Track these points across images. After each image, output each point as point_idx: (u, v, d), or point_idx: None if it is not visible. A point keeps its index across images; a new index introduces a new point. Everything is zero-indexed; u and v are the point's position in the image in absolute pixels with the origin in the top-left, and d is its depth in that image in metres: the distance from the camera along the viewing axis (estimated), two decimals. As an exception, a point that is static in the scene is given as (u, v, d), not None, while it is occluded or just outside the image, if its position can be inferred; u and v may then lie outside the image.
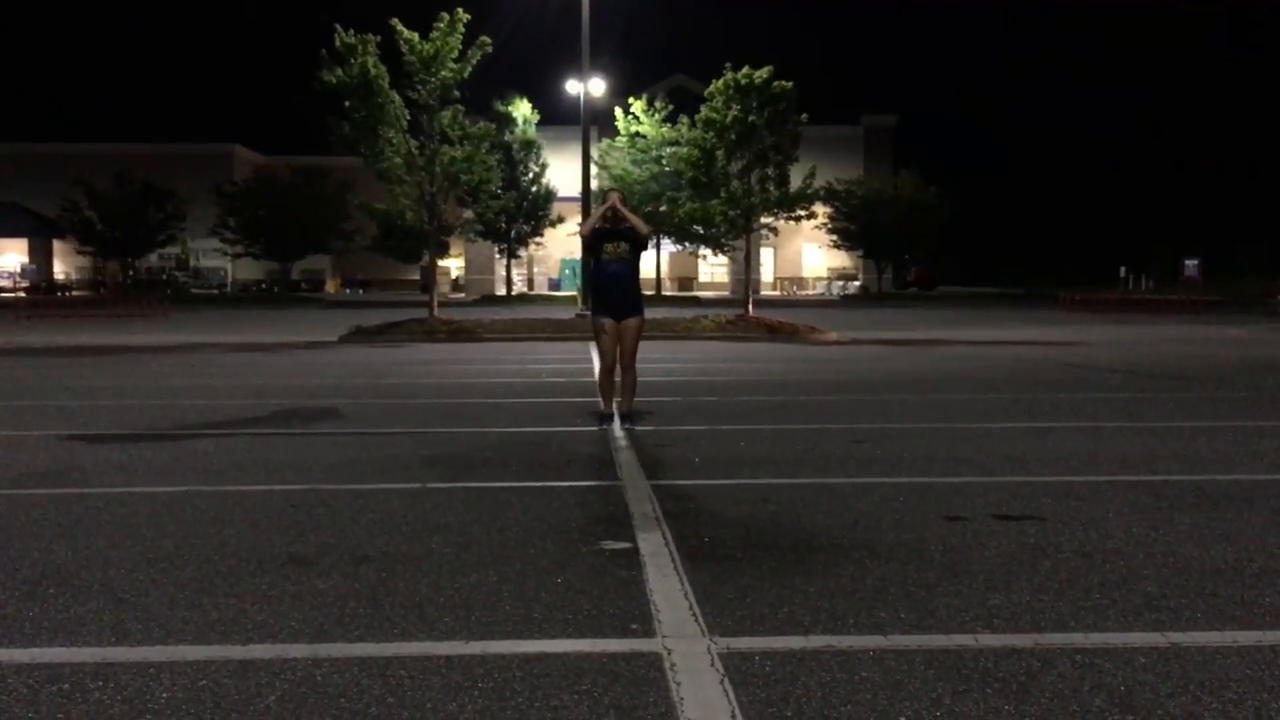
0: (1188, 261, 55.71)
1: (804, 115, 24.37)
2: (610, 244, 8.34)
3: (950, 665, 3.11)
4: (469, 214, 43.94)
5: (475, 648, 3.28)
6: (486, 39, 21.81)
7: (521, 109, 50.51)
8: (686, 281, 65.17)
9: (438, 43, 21.33)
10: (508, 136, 48.62)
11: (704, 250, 46.62)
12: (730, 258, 49.55)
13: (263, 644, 3.33)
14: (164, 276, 61.55)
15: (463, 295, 58.65)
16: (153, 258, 61.08)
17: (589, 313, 9.05)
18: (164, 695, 2.92)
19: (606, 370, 8.52)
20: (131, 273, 59.10)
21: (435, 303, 23.28)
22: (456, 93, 21.92)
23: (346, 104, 21.31)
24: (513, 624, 3.51)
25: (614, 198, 8.46)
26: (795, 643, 3.31)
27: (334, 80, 21.01)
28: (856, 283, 63.10)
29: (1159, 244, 64.99)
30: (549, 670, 3.08)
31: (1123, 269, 59.90)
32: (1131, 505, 5.33)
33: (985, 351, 17.27)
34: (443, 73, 21.43)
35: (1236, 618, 3.55)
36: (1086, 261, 69.97)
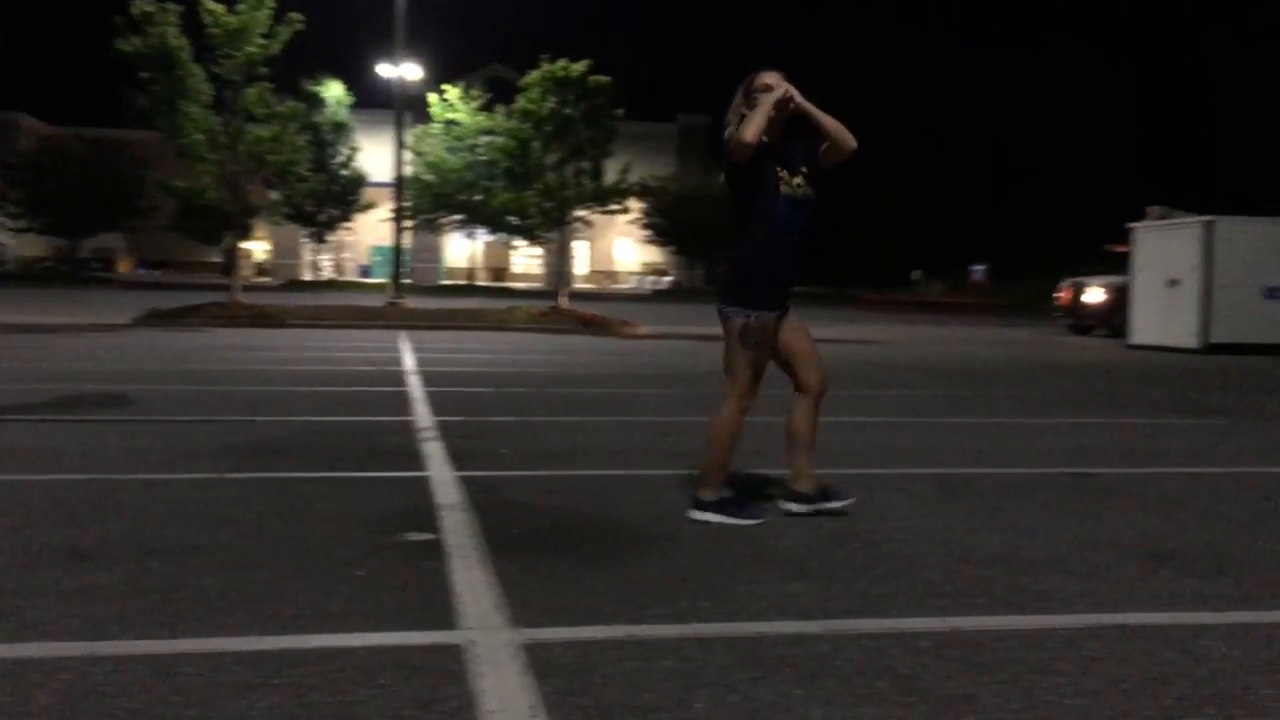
0: (974, 266, 58.92)
1: (620, 110, 24.58)
2: (784, 169, 4.81)
3: (747, 652, 3.19)
4: (275, 195, 42.48)
5: (268, 643, 3.17)
6: (297, 15, 21.17)
7: (333, 90, 49.17)
8: (500, 272, 64.81)
9: (244, 16, 20.56)
10: (318, 118, 47.24)
11: (518, 241, 46.45)
12: (544, 249, 49.53)
13: (36, 643, 3.13)
14: (-64, 252, 57.25)
15: (267, 279, 56.67)
16: (-77, 231, 56.75)
17: (732, 306, 4.85)
18: (-78, 700, 2.71)
19: (741, 412, 4.88)
20: (-101, 247, 54.72)
21: (238, 286, 22.48)
22: (264, 69, 21.20)
23: (144, 75, 20.32)
24: (309, 618, 3.42)
25: (780, 83, 4.73)
26: (598, 632, 3.33)
27: (130, 49, 20.01)
28: (669, 278, 64.05)
29: (951, 249, 68.37)
30: (346, 665, 3.01)
31: (916, 272, 62.74)
32: (918, 496, 5.59)
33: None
34: (249, 48, 20.67)
35: (1011, 602, 3.77)
36: (888, 263, 72.97)
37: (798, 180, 4.82)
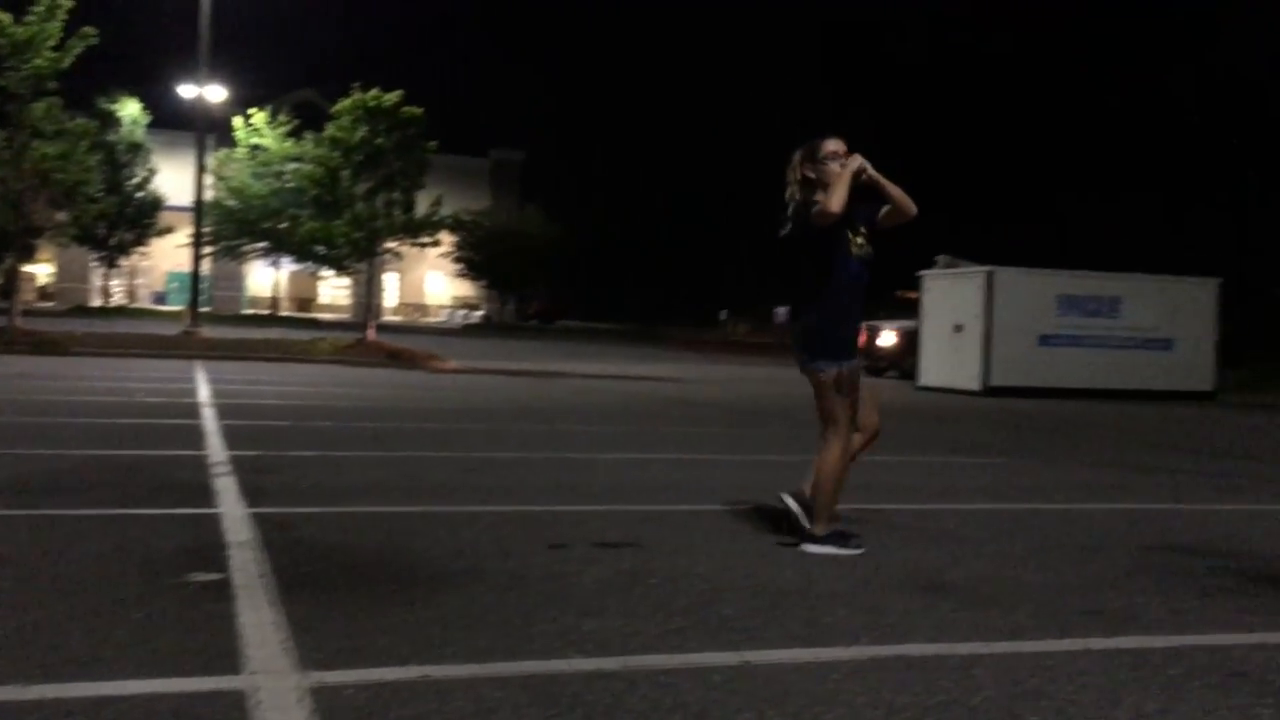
0: (778, 309, 60.86)
1: (433, 143, 24.41)
2: (851, 231, 5.23)
3: (542, 690, 3.18)
4: (63, 216, 40.24)
5: (33, 692, 2.97)
6: (91, 29, 20.22)
7: (129, 108, 47.15)
8: (306, 302, 63.10)
9: (33, 27, 19.53)
10: (112, 136, 45.21)
11: (325, 271, 45.34)
12: (353, 280, 48.49)
13: None
14: None
15: (51, 304, 53.42)
16: None
17: (821, 359, 5.26)
18: None
19: (846, 451, 5.34)
20: None
21: (17, 311, 21.16)
22: (53, 84, 20.17)
23: (-81, 84, 19.05)
24: (80, 665, 3.22)
25: (849, 155, 5.12)
26: (391, 674, 3.26)
27: (-96, 56, 18.72)
28: (480, 312, 63.68)
29: (756, 290, 70.49)
30: (119, 714, 2.85)
31: (724, 313, 64.32)
32: (717, 532, 5.71)
33: (597, 385, 17.94)
34: (38, 60, 19.63)
35: (802, 636, 3.88)
36: (695, 303, 74.54)
37: (860, 240, 5.25)
